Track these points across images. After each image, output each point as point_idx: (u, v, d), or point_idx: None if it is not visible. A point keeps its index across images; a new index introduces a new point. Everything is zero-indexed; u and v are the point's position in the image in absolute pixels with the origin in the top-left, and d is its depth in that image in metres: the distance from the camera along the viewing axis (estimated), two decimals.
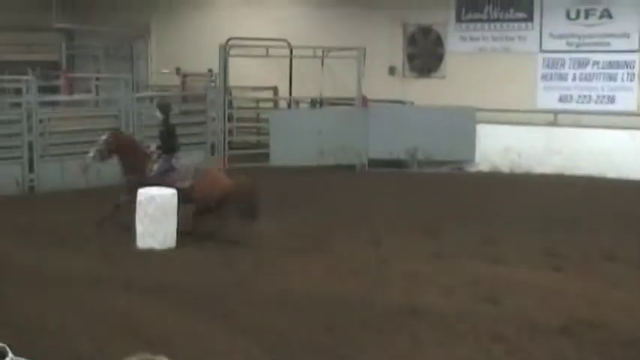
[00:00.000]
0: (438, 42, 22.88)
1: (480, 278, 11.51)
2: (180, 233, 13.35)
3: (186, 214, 13.75)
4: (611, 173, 19.52)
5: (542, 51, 21.50)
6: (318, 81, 22.01)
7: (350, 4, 23.26)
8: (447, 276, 11.61)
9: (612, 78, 20.88)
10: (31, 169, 17.89)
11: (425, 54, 23.08)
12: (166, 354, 2.00)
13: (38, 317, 9.72)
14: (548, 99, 21.39)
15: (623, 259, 12.59)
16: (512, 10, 21.79)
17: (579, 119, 20.56)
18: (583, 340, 9.15)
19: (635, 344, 9.03)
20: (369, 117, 21.24)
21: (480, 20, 22.24)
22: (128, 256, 12.70)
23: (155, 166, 14.16)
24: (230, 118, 21.77)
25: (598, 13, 20.91)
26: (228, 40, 21.97)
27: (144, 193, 13.34)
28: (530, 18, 21.59)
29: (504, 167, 20.84)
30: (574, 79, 21.26)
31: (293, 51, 22.77)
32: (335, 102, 22.92)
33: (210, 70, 22.94)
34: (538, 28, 21.48)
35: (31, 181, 17.94)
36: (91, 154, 14.41)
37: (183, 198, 13.56)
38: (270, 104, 24.12)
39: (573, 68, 21.25)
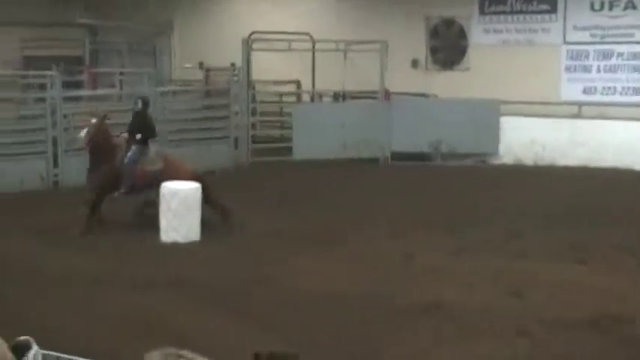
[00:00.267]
0: (461, 34, 22.78)
1: (504, 273, 11.45)
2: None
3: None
4: (637, 165, 19.38)
5: (566, 43, 21.35)
6: (341, 74, 21.97)
7: None
8: (471, 271, 11.56)
9: (637, 69, 20.72)
10: (55, 164, 17.98)
11: (448, 47, 22.98)
12: (187, 349, 1.99)
13: (62, 313, 9.76)
14: (572, 91, 21.25)
15: None
16: (535, 2, 21.65)
17: (604, 111, 20.42)
18: (609, 335, 9.10)
19: None
20: (392, 110, 21.18)
21: (504, 12, 22.12)
22: (151, 250, 12.74)
23: (128, 154, 14.22)
24: (253, 112, 21.80)
25: (622, 5, 20.75)
26: (251, 34, 21.97)
27: (167, 187, 13.39)
28: (553, 10, 21.45)
29: (528, 160, 20.73)
30: (598, 70, 21.11)
31: (316, 44, 22.73)
32: (358, 95, 22.88)
33: (233, 65, 22.97)
34: (562, 20, 21.33)
35: (56, 175, 18.03)
36: (82, 134, 14.33)
37: (152, 182, 13.72)
38: (293, 98, 24.09)
39: (597, 60, 21.10)
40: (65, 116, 18.18)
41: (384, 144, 21.16)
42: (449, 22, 22.92)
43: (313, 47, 22.82)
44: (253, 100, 22.05)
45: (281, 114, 23.85)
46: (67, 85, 20.14)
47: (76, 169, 17.79)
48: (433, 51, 23.19)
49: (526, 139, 20.65)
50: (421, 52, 23.17)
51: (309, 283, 10.94)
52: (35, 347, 1.98)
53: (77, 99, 19.65)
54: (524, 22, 21.87)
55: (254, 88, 22.68)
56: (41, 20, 24.26)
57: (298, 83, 24.03)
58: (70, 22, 24.61)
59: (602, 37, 21.00)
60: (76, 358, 4.58)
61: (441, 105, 21.50)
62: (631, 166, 19.40)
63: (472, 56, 22.53)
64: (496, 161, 21.08)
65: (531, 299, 10.33)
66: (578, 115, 20.56)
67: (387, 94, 21.49)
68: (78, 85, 22.13)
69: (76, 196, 14.67)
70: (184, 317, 9.62)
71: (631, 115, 20.05)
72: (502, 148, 21.08)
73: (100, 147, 14.16)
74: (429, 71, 23.11)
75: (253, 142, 21.25)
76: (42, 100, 18.79)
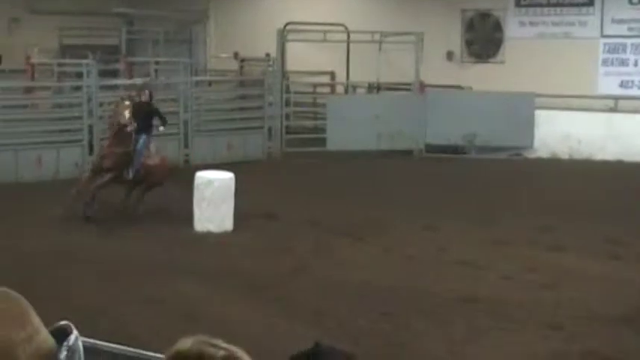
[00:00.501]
0: (497, 27, 22.67)
1: (539, 266, 11.44)
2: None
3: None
4: None
5: (603, 36, 21.19)
6: (376, 66, 21.93)
7: None
8: (505, 263, 11.55)
9: None
10: (91, 151, 18.10)
11: (483, 39, 22.88)
12: (224, 338, 2.01)
13: (96, 301, 9.85)
14: (608, 84, 21.09)
15: None
16: None
17: None
18: None
19: None
20: (427, 102, 21.12)
21: (540, 5, 21.98)
22: (186, 240, 12.81)
23: (140, 142, 14.28)
24: (287, 103, 21.81)
25: None
26: (286, 24, 22.00)
27: (201, 177, 13.46)
28: (591, 3, 21.28)
29: (563, 154, 20.60)
30: (635, 64, 20.94)
31: (350, 36, 22.72)
32: (392, 87, 22.83)
33: (267, 55, 23.00)
34: (599, 13, 21.17)
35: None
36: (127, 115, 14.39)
37: (144, 175, 14.06)
38: (327, 89, 24.10)
39: (635, 53, 20.94)
40: (101, 104, 18.29)
41: (418, 136, 21.11)
42: (485, 15, 22.82)
43: (348, 38, 22.80)
44: (287, 90, 22.07)
45: (315, 105, 23.85)
46: (103, 73, 20.28)
47: None
48: (468, 43, 23.10)
49: (561, 133, 20.51)
50: (456, 44, 23.09)
51: (343, 274, 10.98)
52: (75, 332, 1.99)
53: (113, 88, 19.76)
54: (560, 14, 21.72)
55: (288, 79, 22.70)
56: (79, 9, 24.42)
57: (332, 74, 24.03)
58: (107, 11, 24.75)
59: None
60: (112, 345, 4.62)
61: (475, 98, 21.41)
62: None
63: (507, 49, 22.41)
64: (531, 155, 20.97)
65: (565, 293, 10.29)
66: (614, 109, 20.42)
67: (422, 86, 21.44)
68: (114, 73, 22.26)
69: None
70: (221, 306, 9.69)
71: None
72: (537, 141, 20.96)
73: (122, 130, 14.32)
74: (464, 63, 23.03)
75: (287, 132, 21.28)
76: (78, 88, 18.93)
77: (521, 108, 20.75)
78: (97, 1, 25.23)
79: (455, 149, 20.98)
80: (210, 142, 19.60)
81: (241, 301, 9.90)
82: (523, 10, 22.25)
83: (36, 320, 2.00)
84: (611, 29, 21.10)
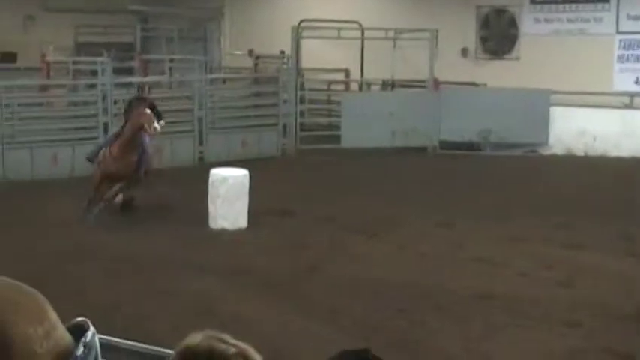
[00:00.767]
0: (512, 24, 22.59)
1: (555, 263, 11.41)
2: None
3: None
4: None
5: (618, 32, 21.09)
6: (390, 63, 21.90)
7: None
8: (521, 260, 11.52)
9: None
10: None
11: (498, 36, 22.82)
12: (239, 335, 2.00)
13: (113, 298, 9.87)
14: (624, 81, 20.98)
15: None
16: None
17: None
18: None
19: None
20: (441, 99, 21.08)
21: (555, 2, 21.89)
22: (201, 237, 12.82)
23: (146, 142, 14.23)
24: (302, 100, 21.79)
25: None
26: (301, 21, 21.99)
27: (216, 175, 13.47)
28: None
29: (579, 150, 20.52)
30: None
31: (365, 33, 22.68)
32: (407, 84, 22.80)
33: (282, 52, 23.00)
34: (615, 10, 21.06)
35: None
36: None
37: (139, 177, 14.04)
38: (341, 86, 24.08)
39: None
40: (116, 102, 18.32)
41: (432, 133, 21.06)
42: (500, 11, 22.75)
43: (362, 35, 22.78)
44: (302, 88, 22.04)
45: (329, 102, 23.83)
46: (118, 71, 20.32)
47: None
48: (483, 40, 23.04)
49: (576, 130, 20.44)
50: (471, 41, 23.03)
51: (358, 271, 10.97)
52: (92, 329, 1.99)
53: (128, 85, 19.79)
54: (576, 11, 21.63)
55: (303, 76, 22.68)
56: (93, 7, 24.48)
57: (347, 71, 24.01)
58: (122, 9, 24.79)
59: None
60: (128, 341, 4.63)
61: (490, 94, 21.35)
62: None
63: (523, 45, 22.34)
64: (546, 151, 20.89)
65: (581, 290, 10.27)
66: (630, 106, 20.32)
67: (436, 83, 21.40)
68: (129, 71, 22.30)
69: None
70: (235, 303, 9.70)
71: None
72: (552, 138, 20.88)
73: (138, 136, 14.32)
74: (478, 60, 22.96)
75: (301, 130, 21.26)
76: (93, 86, 18.97)
77: (536, 105, 20.68)
78: None
79: (469, 146, 20.93)
80: (224, 139, 19.61)
81: (256, 299, 9.90)
82: (538, 6, 22.17)
83: (53, 316, 1.99)
84: (626, 25, 20.99)
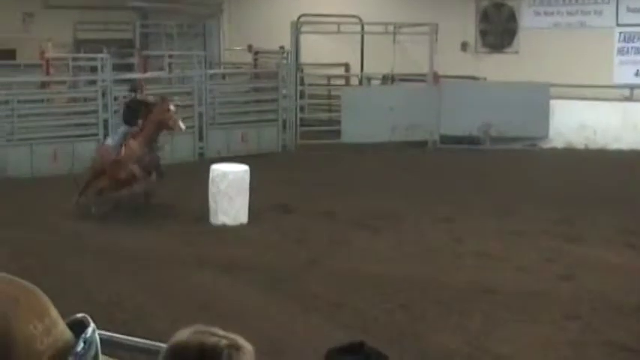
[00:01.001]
0: (511, 17, 22.57)
1: (555, 256, 11.41)
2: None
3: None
4: None
5: (618, 25, 21.06)
6: (390, 57, 21.89)
7: None
8: (522, 254, 11.52)
9: None
10: None
11: (498, 29, 22.79)
12: (240, 330, 2.01)
13: (112, 294, 9.88)
14: (624, 74, 20.95)
15: None
16: None
17: None
18: None
19: None
20: (441, 93, 21.07)
21: None
22: (202, 233, 12.83)
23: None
24: (302, 95, 21.80)
25: None
26: (300, 16, 21.97)
27: (216, 170, 13.47)
28: None
29: (579, 144, 20.51)
30: None
31: (364, 27, 22.68)
32: (406, 78, 22.78)
33: (282, 47, 22.98)
34: (614, 2, 21.02)
35: None
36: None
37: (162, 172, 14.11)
38: (341, 81, 24.08)
39: None
40: (116, 98, 18.31)
41: (432, 127, 21.05)
42: (499, 5, 22.72)
43: (362, 30, 22.77)
44: (302, 83, 22.06)
45: (329, 97, 23.82)
46: (117, 67, 20.31)
47: None
48: (483, 34, 23.01)
49: (577, 123, 20.44)
50: (471, 34, 23.00)
51: (358, 266, 10.97)
52: (92, 325, 1.99)
53: (128, 81, 19.77)
54: (575, 4, 21.60)
55: (302, 71, 22.68)
56: (93, 3, 24.44)
57: (347, 66, 24.01)
58: (122, 5, 24.76)
59: None
60: (129, 337, 4.63)
61: (490, 88, 21.34)
62: None
63: (522, 39, 22.30)
64: (546, 145, 20.88)
65: (582, 283, 10.26)
66: (630, 99, 20.31)
67: (436, 77, 21.39)
68: (129, 67, 22.29)
69: None
70: (236, 298, 9.70)
71: None
72: (552, 131, 20.87)
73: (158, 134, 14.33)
74: (478, 54, 22.94)
75: (301, 124, 21.27)
76: (93, 82, 18.97)
77: (537, 98, 20.67)
78: None
79: (470, 140, 20.92)
80: (224, 134, 19.62)
81: (257, 294, 9.90)
82: (538, 0, 22.13)
83: (54, 312, 2.00)
84: (626, 18, 20.96)
